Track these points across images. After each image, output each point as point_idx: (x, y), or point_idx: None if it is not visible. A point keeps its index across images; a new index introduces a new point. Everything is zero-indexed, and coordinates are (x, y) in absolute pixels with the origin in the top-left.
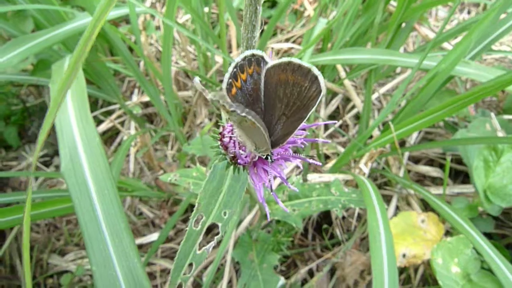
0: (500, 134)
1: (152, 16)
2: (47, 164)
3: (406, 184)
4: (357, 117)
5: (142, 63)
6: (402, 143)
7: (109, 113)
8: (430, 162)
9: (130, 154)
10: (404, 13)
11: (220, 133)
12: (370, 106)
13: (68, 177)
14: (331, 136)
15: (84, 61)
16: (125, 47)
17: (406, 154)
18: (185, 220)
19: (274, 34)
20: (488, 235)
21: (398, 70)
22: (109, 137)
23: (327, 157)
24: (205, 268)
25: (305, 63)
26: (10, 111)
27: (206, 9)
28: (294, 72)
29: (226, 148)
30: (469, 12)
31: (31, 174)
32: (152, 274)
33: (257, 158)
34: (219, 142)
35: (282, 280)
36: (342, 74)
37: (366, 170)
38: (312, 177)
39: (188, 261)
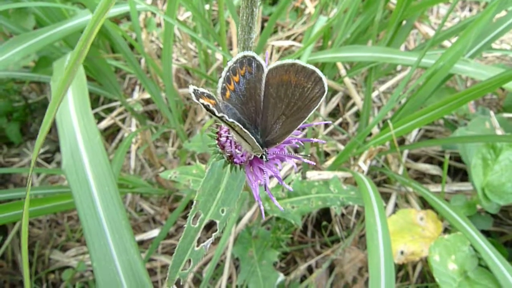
0: (499, 132)
1: (153, 13)
2: (48, 160)
3: (405, 182)
4: (357, 114)
5: (143, 60)
6: (402, 141)
7: (110, 110)
8: (430, 160)
9: (131, 151)
10: (404, 11)
11: (218, 133)
12: (370, 104)
13: (69, 174)
14: (331, 133)
15: (85, 58)
16: (126, 44)
17: (406, 152)
18: (185, 217)
19: (275, 32)
20: (486, 233)
21: (398, 68)
22: (110, 134)
23: (327, 155)
24: (205, 264)
25: (309, 65)
26: (12, 108)
27: (207, 7)
28: (298, 73)
29: (223, 147)
30: (470, 10)
31: (30, 171)
32: (152, 270)
33: (252, 157)
34: (216, 141)
35: (281, 277)
36: (343, 71)
37: (365, 168)
38: (311, 175)
39: (186, 257)
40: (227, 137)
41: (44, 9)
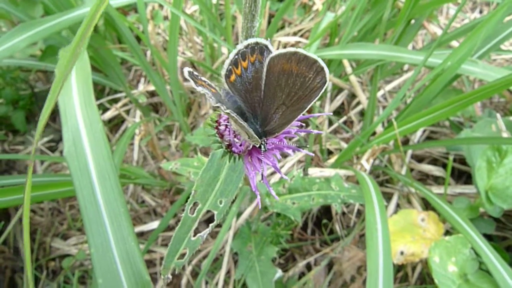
0: (505, 135)
1: (161, 6)
2: (52, 149)
3: (408, 182)
4: (362, 113)
5: (149, 52)
6: (406, 141)
7: (115, 101)
8: (434, 161)
9: (134, 142)
10: (412, 10)
11: (217, 121)
12: (375, 103)
13: (71, 161)
14: (335, 131)
15: (92, 48)
16: (132, 36)
17: (409, 152)
18: None
19: (282, 27)
20: (489, 237)
21: (405, 67)
22: (115, 124)
23: (330, 152)
24: (205, 257)
25: (311, 54)
26: (18, 96)
27: (214, 0)
28: (299, 62)
29: (221, 136)
30: (481, 12)
31: (32, 158)
32: (152, 261)
33: (251, 147)
34: (215, 130)
35: (279, 273)
36: (349, 69)
37: (368, 167)
38: (313, 171)
39: (182, 246)
40: (226, 126)
41: None
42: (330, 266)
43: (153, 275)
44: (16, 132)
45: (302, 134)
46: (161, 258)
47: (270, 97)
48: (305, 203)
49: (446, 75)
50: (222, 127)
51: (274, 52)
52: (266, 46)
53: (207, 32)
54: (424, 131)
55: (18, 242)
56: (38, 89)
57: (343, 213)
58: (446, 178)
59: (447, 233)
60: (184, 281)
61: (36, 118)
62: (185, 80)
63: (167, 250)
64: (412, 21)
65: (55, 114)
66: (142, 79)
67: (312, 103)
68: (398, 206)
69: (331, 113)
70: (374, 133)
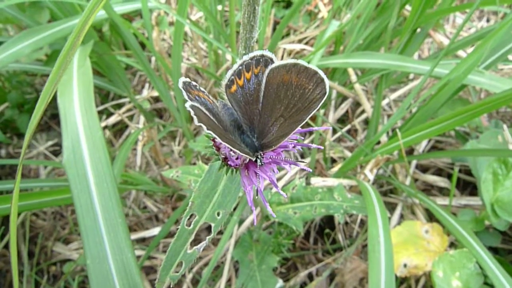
0: None
1: (166, 12)
2: (56, 153)
3: (411, 193)
4: (366, 122)
5: (154, 58)
6: (411, 151)
7: (120, 106)
8: (439, 172)
9: (138, 148)
10: (419, 19)
11: None
12: (380, 112)
13: (69, 169)
14: (338, 140)
15: (96, 54)
16: (137, 42)
17: (414, 162)
18: None
19: (288, 35)
20: (494, 250)
21: (411, 76)
22: (119, 130)
23: (333, 161)
24: (206, 265)
25: (311, 65)
26: (23, 100)
27: (219, 7)
28: (299, 73)
29: (218, 148)
30: (488, 20)
31: (20, 162)
32: (152, 268)
33: (248, 160)
34: (212, 142)
35: (280, 283)
36: (353, 78)
37: (371, 177)
38: (316, 181)
39: (178, 259)
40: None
41: (58, 3)
42: (332, 276)
43: (154, 282)
44: (21, 135)
45: (306, 141)
46: None
47: (269, 109)
48: (307, 213)
49: (452, 85)
50: (218, 140)
51: (274, 63)
52: (271, 59)
53: (211, 41)
54: (429, 140)
55: (20, 246)
56: None
57: (346, 223)
58: (451, 189)
59: (452, 245)
60: None
61: (41, 121)
62: None
63: (163, 263)
64: (418, 30)
65: (59, 118)
66: (147, 85)
67: (311, 115)
68: (401, 217)
69: (330, 127)
70: (378, 142)
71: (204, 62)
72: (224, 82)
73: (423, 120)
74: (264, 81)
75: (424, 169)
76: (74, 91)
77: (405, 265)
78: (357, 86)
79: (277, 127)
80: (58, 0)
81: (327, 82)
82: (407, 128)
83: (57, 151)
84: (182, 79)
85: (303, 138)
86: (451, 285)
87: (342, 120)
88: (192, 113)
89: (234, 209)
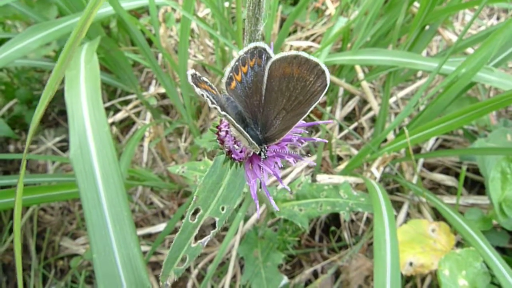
0: None
1: (173, 9)
2: (64, 149)
3: (418, 192)
4: (373, 119)
5: (161, 55)
6: (418, 149)
7: (127, 102)
8: (446, 171)
9: (144, 144)
10: (427, 16)
11: (218, 126)
12: (387, 110)
13: (76, 164)
14: (345, 137)
15: (104, 50)
16: (143, 38)
17: (421, 160)
18: None
19: (295, 32)
20: (502, 250)
21: (419, 74)
22: (126, 126)
23: (340, 159)
24: (211, 261)
25: (312, 57)
26: (32, 96)
27: (226, 4)
28: (301, 66)
29: (222, 142)
30: (498, 18)
31: (24, 157)
32: (158, 263)
33: (252, 154)
34: (216, 136)
35: (285, 280)
36: (361, 75)
37: (378, 175)
38: (322, 178)
39: (182, 253)
40: (227, 132)
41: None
42: (337, 274)
43: (159, 277)
44: None
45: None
46: None
47: (271, 102)
48: (313, 210)
49: (460, 83)
50: (222, 133)
51: (276, 55)
52: (264, 49)
53: (218, 37)
54: (437, 139)
55: (27, 240)
56: None
57: (352, 221)
58: (459, 188)
59: (459, 244)
60: (189, 284)
61: (49, 117)
62: None
63: (167, 256)
64: (427, 27)
65: (67, 115)
66: (154, 81)
67: (312, 107)
68: (408, 215)
69: (334, 122)
70: (385, 140)
71: (211, 59)
72: (224, 80)
73: (430, 118)
74: (266, 74)
75: (431, 167)
76: (81, 87)
77: (411, 264)
78: (364, 84)
79: (279, 120)
80: None
81: (328, 73)
82: (414, 126)
83: (64, 147)
84: (191, 71)
85: (307, 132)
86: (457, 284)
87: (349, 118)
88: (204, 95)
89: (240, 205)
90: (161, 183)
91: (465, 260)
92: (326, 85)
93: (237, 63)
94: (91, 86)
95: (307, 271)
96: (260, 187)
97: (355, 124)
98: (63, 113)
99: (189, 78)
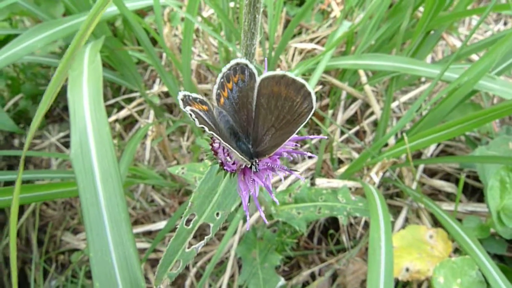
0: None
1: (180, 6)
2: (67, 144)
3: (417, 197)
4: (375, 123)
5: (165, 54)
6: (419, 155)
7: (131, 100)
8: (447, 176)
9: (147, 142)
10: (431, 21)
11: (212, 137)
12: (389, 114)
13: (76, 163)
14: (347, 141)
15: (108, 49)
16: (147, 38)
17: (421, 166)
18: None
19: (300, 33)
20: (500, 258)
21: (423, 79)
22: (130, 123)
23: (340, 162)
24: (210, 260)
25: (299, 78)
26: (37, 91)
27: (232, 4)
28: (288, 86)
29: (216, 153)
30: (505, 23)
31: (24, 153)
32: (157, 260)
33: (244, 166)
34: (210, 147)
35: (282, 281)
36: (364, 79)
37: (377, 180)
38: (321, 182)
39: (176, 258)
40: (220, 143)
41: None
42: (334, 277)
43: None
44: None
45: (314, 141)
46: None
47: (261, 119)
48: (311, 214)
49: (462, 90)
50: (216, 145)
51: (264, 74)
52: (246, 65)
53: (222, 40)
54: (438, 145)
55: (30, 234)
56: None
57: (351, 224)
58: (457, 195)
59: (456, 251)
60: (188, 282)
61: (54, 113)
62: (200, 82)
63: (161, 260)
64: (432, 32)
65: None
66: (158, 80)
67: (300, 128)
68: (406, 220)
69: (325, 137)
70: (386, 145)
71: (215, 58)
72: (213, 96)
73: (432, 124)
74: (256, 90)
75: (432, 173)
76: (83, 86)
77: (407, 269)
78: (367, 88)
79: (269, 137)
80: None
81: (314, 96)
82: (416, 131)
83: (68, 142)
84: (181, 94)
85: (298, 145)
86: None
87: (351, 121)
88: (192, 116)
89: (239, 205)
90: (163, 181)
91: (460, 268)
92: (312, 107)
93: (222, 80)
94: (93, 86)
95: (305, 273)
96: (249, 202)
97: (357, 128)
98: (68, 108)
99: (180, 103)
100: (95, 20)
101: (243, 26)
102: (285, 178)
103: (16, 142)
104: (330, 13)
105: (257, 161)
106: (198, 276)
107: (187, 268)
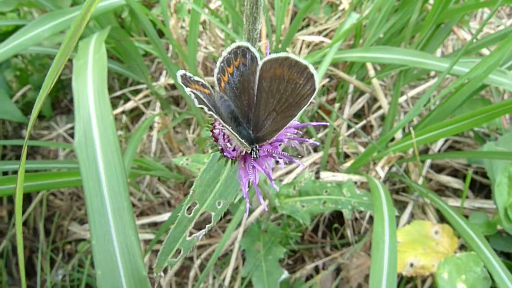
0: None
1: None
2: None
3: (423, 193)
4: (382, 118)
5: (171, 46)
6: (426, 150)
7: (138, 91)
8: (455, 172)
9: (154, 134)
10: (441, 14)
11: (212, 124)
12: (396, 108)
13: (80, 151)
14: (354, 134)
15: (115, 40)
16: (153, 29)
17: (428, 161)
18: None
19: (307, 26)
20: (507, 255)
21: (432, 73)
22: (137, 115)
23: (347, 156)
24: (214, 252)
25: (302, 59)
26: None
27: None
28: (291, 68)
29: (216, 139)
30: None
31: (25, 144)
32: None
33: (244, 152)
34: (211, 133)
35: (285, 274)
36: (371, 72)
37: (382, 174)
38: (325, 175)
39: (176, 246)
40: (220, 129)
41: None
42: (338, 271)
43: None
44: (42, 117)
45: (319, 135)
46: None
47: (262, 103)
48: (315, 207)
49: (471, 85)
50: (216, 131)
51: (267, 56)
52: (247, 48)
53: (229, 32)
54: (446, 140)
55: (37, 223)
56: (64, 76)
57: (356, 219)
58: (464, 191)
59: (462, 247)
60: (192, 273)
61: (61, 104)
62: (206, 74)
63: (161, 248)
64: (442, 26)
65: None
66: (164, 72)
67: (301, 111)
68: (412, 216)
69: (326, 123)
70: (392, 139)
71: (221, 51)
72: (215, 80)
73: (440, 119)
74: (257, 74)
75: (439, 168)
76: (88, 76)
77: (411, 265)
78: (375, 81)
79: (270, 121)
80: None
81: (317, 77)
82: (423, 126)
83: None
84: (180, 72)
85: (301, 132)
86: None
87: (359, 115)
88: (192, 96)
89: (243, 198)
90: (168, 173)
91: (465, 264)
92: (314, 89)
93: (222, 64)
94: (98, 76)
95: (309, 267)
96: (247, 187)
97: (364, 122)
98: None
99: (179, 79)
100: (90, 9)
101: (245, 10)
102: (286, 165)
103: (24, 133)
104: (338, 5)
105: (257, 146)
106: (202, 267)
107: (191, 259)
